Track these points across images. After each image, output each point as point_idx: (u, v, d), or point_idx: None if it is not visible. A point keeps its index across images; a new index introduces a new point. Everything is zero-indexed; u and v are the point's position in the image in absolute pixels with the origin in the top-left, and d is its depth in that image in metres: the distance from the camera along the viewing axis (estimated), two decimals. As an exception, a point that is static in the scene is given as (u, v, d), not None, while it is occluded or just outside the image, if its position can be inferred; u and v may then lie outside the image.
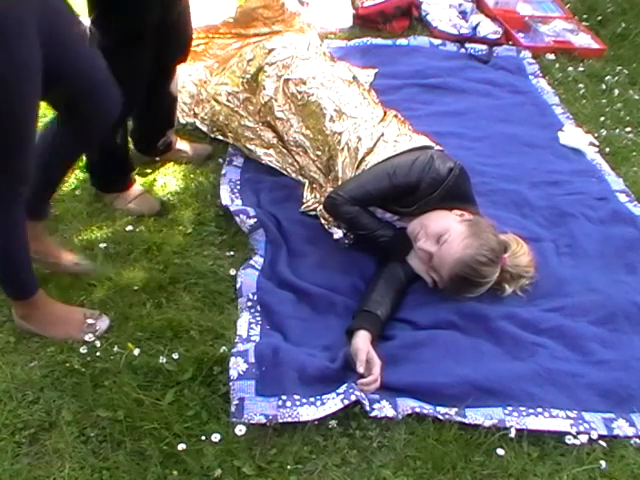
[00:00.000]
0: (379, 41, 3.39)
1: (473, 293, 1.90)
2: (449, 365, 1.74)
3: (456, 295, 1.91)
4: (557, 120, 2.96)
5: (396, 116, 2.26)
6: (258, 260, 2.02)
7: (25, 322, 1.74)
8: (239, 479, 1.48)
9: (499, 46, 3.48)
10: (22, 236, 1.61)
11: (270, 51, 2.46)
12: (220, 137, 2.54)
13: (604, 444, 1.63)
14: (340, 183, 2.09)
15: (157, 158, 2.42)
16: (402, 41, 3.42)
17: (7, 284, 1.71)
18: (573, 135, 2.81)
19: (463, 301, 1.91)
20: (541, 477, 1.56)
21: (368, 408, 1.62)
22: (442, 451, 1.56)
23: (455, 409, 1.64)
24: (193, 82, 2.68)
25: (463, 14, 3.71)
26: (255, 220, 2.11)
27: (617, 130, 2.96)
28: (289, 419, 1.57)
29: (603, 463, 1.58)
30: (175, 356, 1.70)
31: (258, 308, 1.87)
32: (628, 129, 2.98)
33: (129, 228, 2.10)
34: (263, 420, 1.56)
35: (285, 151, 2.39)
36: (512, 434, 1.60)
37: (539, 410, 1.66)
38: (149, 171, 2.38)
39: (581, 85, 3.26)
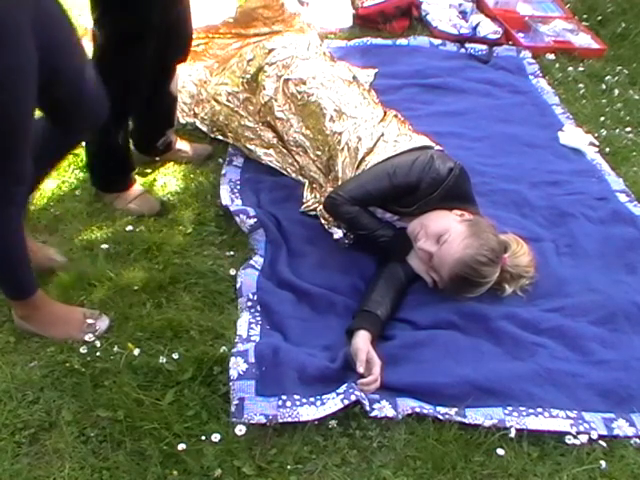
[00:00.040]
0: (379, 41, 3.39)
1: (473, 293, 1.90)
2: (449, 365, 1.74)
3: (456, 295, 1.91)
4: (557, 120, 2.96)
5: (396, 116, 2.26)
6: (258, 260, 2.02)
7: (25, 322, 1.74)
8: (239, 479, 1.48)
9: (499, 46, 3.48)
10: (19, 236, 1.61)
11: (270, 51, 2.46)
12: (220, 137, 2.54)
13: (604, 444, 1.63)
14: (340, 183, 2.09)
15: (157, 158, 2.42)
16: (402, 41, 3.42)
17: (6, 284, 1.71)
18: (573, 135, 2.81)
19: (463, 301, 1.91)
20: (541, 477, 1.56)
21: (368, 408, 1.62)
22: (442, 451, 1.56)
23: (455, 409, 1.64)
24: (193, 82, 2.68)
25: (463, 14, 3.71)
26: (255, 220, 2.11)
27: (617, 130, 2.96)
28: (289, 419, 1.57)
29: (603, 463, 1.58)
30: (175, 356, 1.70)
31: (258, 308, 1.87)
32: (628, 129, 2.98)
33: (129, 228, 2.10)
34: (263, 420, 1.56)
35: (285, 151, 2.39)
36: (512, 434, 1.60)
37: (539, 410, 1.66)
38: (149, 171, 2.38)
39: (581, 85, 3.26)
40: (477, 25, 3.55)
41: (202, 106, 2.60)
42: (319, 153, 2.29)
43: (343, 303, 1.92)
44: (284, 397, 1.60)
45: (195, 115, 2.61)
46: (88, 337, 1.72)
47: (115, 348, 1.71)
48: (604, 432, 1.64)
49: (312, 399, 1.62)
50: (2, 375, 1.64)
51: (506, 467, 1.56)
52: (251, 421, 1.56)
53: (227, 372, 1.64)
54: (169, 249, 2.04)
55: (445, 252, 1.85)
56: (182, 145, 2.45)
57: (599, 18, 3.94)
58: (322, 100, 2.26)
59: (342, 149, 2.14)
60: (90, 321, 1.75)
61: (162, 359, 1.68)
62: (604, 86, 3.28)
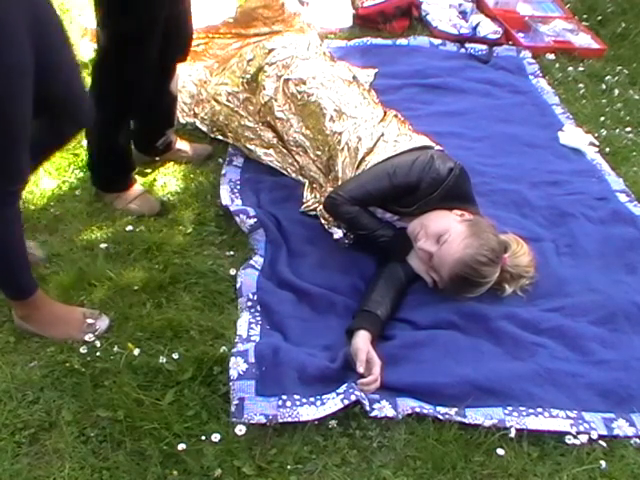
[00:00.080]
0: (379, 41, 3.39)
1: (473, 293, 1.90)
2: (449, 365, 1.74)
3: (456, 295, 1.91)
4: (557, 120, 2.96)
5: (396, 116, 2.26)
6: (258, 260, 2.02)
7: (25, 322, 1.74)
8: (239, 479, 1.48)
9: (499, 46, 3.48)
10: (17, 236, 1.61)
11: (270, 51, 2.46)
12: (220, 137, 2.54)
13: (604, 444, 1.63)
14: (340, 183, 2.09)
15: (157, 158, 2.42)
16: (402, 41, 3.42)
17: (5, 285, 1.71)
18: (573, 135, 2.81)
19: (463, 301, 1.91)
20: (541, 477, 1.56)
21: (368, 408, 1.62)
22: (442, 451, 1.56)
23: (455, 409, 1.64)
24: (193, 82, 2.68)
25: (463, 14, 3.71)
26: (255, 220, 2.11)
27: (617, 130, 2.96)
28: (289, 419, 1.57)
29: (603, 463, 1.58)
30: (175, 356, 1.70)
31: (258, 308, 1.87)
32: (628, 129, 2.98)
33: (129, 228, 2.10)
34: (263, 420, 1.56)
35: (285, 151, 2.39)
36: (512, 434, 1.60)
37: (539, 410, 1.66)
38: (149, 171, 2.38)
39: (581, 85, 3.26)
40: (477, 25, 3.55)
41: (202, 106, 2.60)
42: (319, 153, 2.29)
43: (343, 303, 1.92)
44: (284, 397, 1.60)
45: (195, 115, 2.61)
46: (88, 337, 1.72)
47: (115, 348, 1.71)
48: (604, 432, 1.64)
49: (312, 399, 1.62)
50: (2, 375, 1.64)
51: (506, 467, 1.56)
52: (251, 421, 1.56)
53: (227, 372, 1.64)
54: (169, 249, 2.04)
55: (445, 252, 1.85)
56: (182, 145, 2.45)
57: (599, 18, 3.94)
58: (322, 100, 2.26)
59: (342, 149, 2.14)
60: (90, 321, 1.75)
61: (162, 359, 1.68)
62: (604, 86, 3.28)
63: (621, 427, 1.66)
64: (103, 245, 2.03)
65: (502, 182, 2.48)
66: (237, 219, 2.13)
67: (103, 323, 1.77)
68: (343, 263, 2.05)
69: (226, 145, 2.51)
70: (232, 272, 1.97)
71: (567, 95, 3.18)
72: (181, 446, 1.51)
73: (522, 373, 1.73)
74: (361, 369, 1.67)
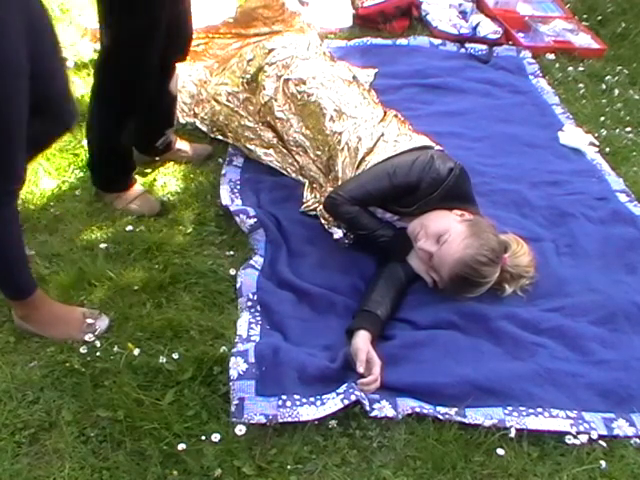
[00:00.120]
0: (379, 41, 3.39)
1: (473, 293, 1.90)
2: (449, 365, 1.74)
3: (456, 295, 1.91)
4: (557, 120, 2.96)
5: (396, 116, 2.26)
6: (258, 260, 2.02)
7: (24, 322, 1.74)
8: (239, 479, 1.48)
9: (499, 46, 3.48)
10: (15, 236, 1.61)
11: (270, 51, 2.46)
12: (220, 137, 2.53)
13: (604, 444, 1.63)
14: (340, 183, 2.09)
15: (157, 158, 2.42)
16: (402, 41, 3.42)
17: (4, 284, 1.71)
18: (573, 135, 2.81)
19: (463, 301, 1.91)
20: (541, 477, 1.56)
21: (368, 408, 1.62)
22: (442, 451, 1.56)
23: (455, 409, 1.64)
24: (193, 82, 2.68)
25: (463, 14, 3.71)
26: (255, 220, 2.11)
27: (617, 130, 2.96)
28: (289, 419, 1.57)
29: (603, 463, 1.58)
30: (175, 356, 1.70)
31: (258, 308, 1.87)
32: (628, 129, 2.98)
33: (129, 228, 2.10)
34: (263, 420, 1.56)
35: (285, 151, 2.39)
36: (512, 434, 1.60)
37: (539, 410, 1.66)
38: (149, 171, 2.38)
39: (581, 85, 3.26)
40: (477, 25, 3.54)
41: (202, 106, 2.60)
42: (319, 153, 2.29)
43: (343, 303, 1.92)
44: (284, 397, 1.60)
45: (195, 115, 2.61)
46: (88, 337, 1.72)
47: (115, 348, 1.71)
48: (604, 432, 1.64)
49: (312, 399, 1.62)
50: (2, 375, 1.64)
51: (506, 467, 1.56)
52: (251, 421, 1.56)
53: (227, 372, 1.64)
54: (169, 249, 2.04)
55: (445, 252, 1.85)
56: (182, 145, 2.45)
57: (599, 18, 3.94)
58: (322, 100, 2.26)
59: (342, 149, 2.14)
60: (90, 321, 1.75)
61: (162, 359, 1.68)
62: (604, 86, 3.28)
63: (621, 427, 1.66)
64: (103, 245, 2.03)
65: (502, 182, 2.48)
66: (237, 219, 2.13)
67: (103, 323, 1.77)
68: (343, 263, 2.05)
69: (226, 145, 2.51)
70: (232, 272, 1.97)
71: (567, 95, 3.18)
72: (181, 446, 1.51)
73: (522, 373, 1.73)
74: (361, 369, 1.67)
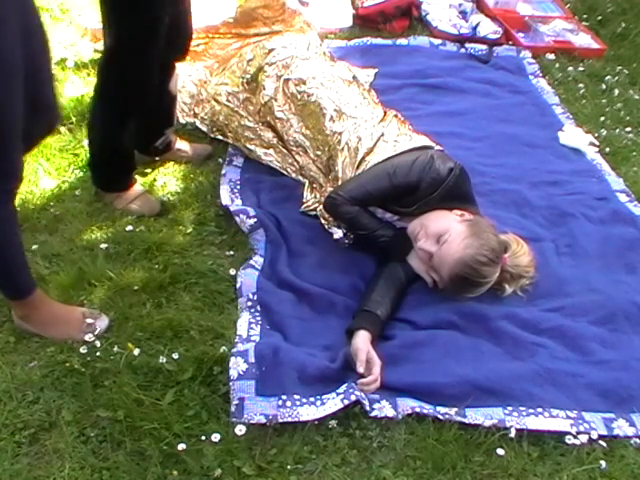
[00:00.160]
0: (379, 41, 3.38)
1: (473, 293, 1.90)
2: (449, 365, 1.74)
3: (456, 295, 1.91)
4: (557, 120, 2.96)
5: (396, 116, 2.26)
6: (258, 260, 2.02)
7: (24, 322, 1.74)
8: (239, 479, 1.48)
9: (499, 46, 3.48)
10: (13, 235, 1.60)
11: (270, 51, 2.46)
12: (220, 137, 2.53)
13: (604, 444, 1.63)
14: (340, 183, 2.09)
15: (157, 158, 2.42)
16: (402, 41, 3.42)
17: (2, 284, 1.70)
18: (573, 135, 2.81)
19: (463, 301, 1.91)
20: (541, 477, 1.56)
21: (368, 408, 1.62)
22: (442, 451, 1.56)
23: (455, 409, 1.64)
24: (193, 82, 2.68)
25: (463, 14, 3.71)
26: (255, 220, 2.11)
27: (617, 130, 2.96)
28: (289, 419, 1.57)
29: (603, 463, 1.58)
30: (175, 356, 1.70)
31: (258, 308, 1.87)
32: (628, 129, 2.98)
33: (129, 228, 2.10)
34: (263, 420, 1.56)
35: (285, 151, 2.39)
36: (512, 434, 1.60)
37: (539, 410, 1.66)
38: (149, 171, 2.38)
39: (581, 85, 3.26)
40: (477, 25, 3.54)
41: (202, 106, 2.60)
42: (319, 153, 2.29)
43: (343, 303, 1.92)
44: (284, 397, 1.60)
45: (195, 115, 2.61)
46: (88, 337, 1.72)
47: (115, 348, 1.71)
48: (604, 432, 1.64)
49: (312, 399, 1.62)
50: (2, 375, 1.64)
51: (506, 467, 1.56)
52: (251, 421, 1.56)
53: (227, 372, 1.64)
54: (169, 249, 2.04)
55: (445, 252, 1.85)
56: (182, 145, 2.45)
57: (599, 18, 3.94)
58: (322, 100, 2.26)
59: (342, 149, 2.14)
60: (89, 321, 1.75)
61: (162, 359, 1.68)
62: (604, 86, 3.28)
63: (621, 427, 1.66)
64: (103, 245, 2.03)
65: (502, 182, 2.48)
66: (237, 219, 2.13)
67: (103, 323, 1.77)
68: (343, 263, 2.05)
69: (226, 145, 2.51)
70: (232, 272, 1.97)
71: (567, 95, 3.18)
72: (181, 446, 1.51)
73: (522, 373, 1.73)
74: (361, 369, 1.67)
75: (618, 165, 2.72)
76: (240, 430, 1.54)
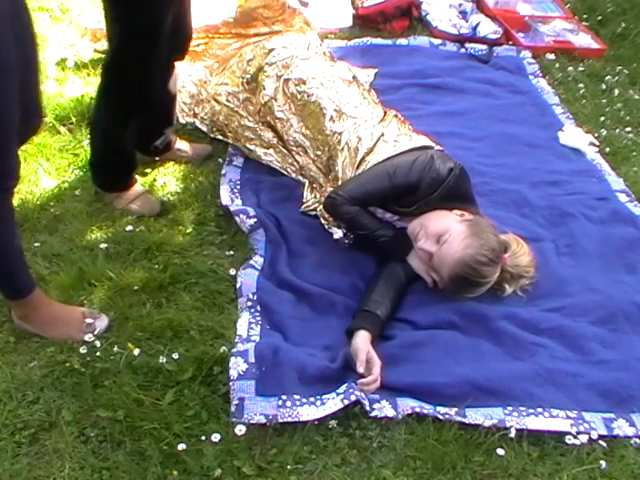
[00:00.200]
0: (379, 41, 3.39)
1: (473, 293, 1.90)
2: (449, 365, 1.74)
3: (456, 295, 1.91)
4: (557, 120, 2.96)
5: (396, 116, 2.26)
6: (258, 260, 2.02)
7: (24, 322, 1.74)
8: (239, 479, 1.48)
9: (499, 46, 3.48)
10: (11, 234, 1.60)
11: (270, 51, 2.46)
12: (220, 137, 2.53)
13: (604, 444, 1.63)
14: (340, 183, 2.09)
15: (157, 158, 2.42)
16: (402, 41, 3.42)
17: (1, 284, 1.70)
18: (573, 135, 2.81)
19: (463, 301, 1.91)
20: (541, 477, 1.56)
21: (368, 408, 1.62)
22: (442, 451, 1.56)
23: (455, 409, 1.64)
24: (193, 82, 2.68)
25: (463, 14, 3.71)
26: (255, 220, 2.11)
27: (617, 130, 2.96)
28: (289, 419, 1.57)
29: (603, 463, 1.58)
30: (175, 356, 1.70)
31: (258, 308, 1.87)
32: (628, 129, 2.98)
33: (129, 228, 2.10)
34: (263, 420, 1.56)
35: (285, 151, 2.39)
36: (512, 434, 1.60)
37: (539, 410, 1.66)
38: (149, 171, 2.38)
39: (581, 85, 3.26)
40: (477, 25, 3.54)
41: (202, 106, 2.60)
42: (319, 153, 2.29)
43: (343, 303, 1.92)
44: (284, 397, 1.60)
45: (195, 115, 2.61)
46: (88, 337, 1.72)
47: (115, 348, 1.71)
48: (604, 432, 1.64)
49: (312, 399, 1.62)
50: (2, 375, 1.64)
51: (506, 467, 1.56)
52: (251, 421, 1.56)
53: (227, 372, 1.64)
54: (169, 249, 2.04)
55: (445, 252, 1.85)
56: (182, 145, 2.45)
57: (599, 18, 3.94)
58: (322, 100, 2.26)
59: (342, 149, 2.14)
60: (89, 321, 1.75)
61: (162, 359, 1.68)
62: (604, 86, 3.28)
63: (621, 427, 1.66)
64: (103, 245, 2.03)
65: (502, 182, 2.48)
66: (237, 219, 2.13)
67: (102, 323, 1.77)
68: (343, 263, 2.05)
69: (226, 145, 2.51)
70: (232, 272, 1.97)
71: (567, 95, 3.18)
72: (181, 446, 1.51)
73: (522, 373, 1.73)
74: (361, 369, 1.67)
75: (618, 165, 2.72)
76: (240, 430, 1.54)
